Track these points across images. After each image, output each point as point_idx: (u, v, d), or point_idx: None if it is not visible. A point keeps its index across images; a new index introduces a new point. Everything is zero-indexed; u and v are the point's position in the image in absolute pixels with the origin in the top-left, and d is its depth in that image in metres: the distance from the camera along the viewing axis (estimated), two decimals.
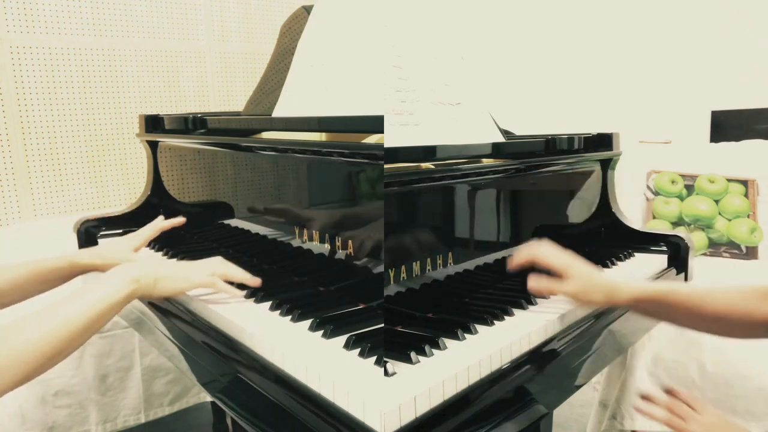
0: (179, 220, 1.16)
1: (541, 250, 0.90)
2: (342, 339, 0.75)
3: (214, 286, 0.90)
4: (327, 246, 0.94)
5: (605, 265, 1.16)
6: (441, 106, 1.01)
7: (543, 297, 0.93)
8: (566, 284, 0.86)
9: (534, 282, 0.87)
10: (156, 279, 0.86)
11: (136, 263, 0.88)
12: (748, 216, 1.82)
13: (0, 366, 0.67)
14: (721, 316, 0.81)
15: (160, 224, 1.14)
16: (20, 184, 1.93)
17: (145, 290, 0.85)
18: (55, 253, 1.03)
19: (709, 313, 0.82)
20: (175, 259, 1.19)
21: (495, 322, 0.84)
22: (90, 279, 1.11)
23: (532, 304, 0.92)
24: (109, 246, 1.10)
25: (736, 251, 1.81)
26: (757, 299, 0.79)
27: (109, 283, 0.81)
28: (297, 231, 1.00)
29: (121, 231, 1.44)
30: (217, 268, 0.93)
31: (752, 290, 0.81)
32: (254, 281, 0.94)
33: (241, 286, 0.94)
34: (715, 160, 1.94)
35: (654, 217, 1.90)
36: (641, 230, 1.33)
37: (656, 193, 1.94)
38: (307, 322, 0.81)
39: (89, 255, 1.05)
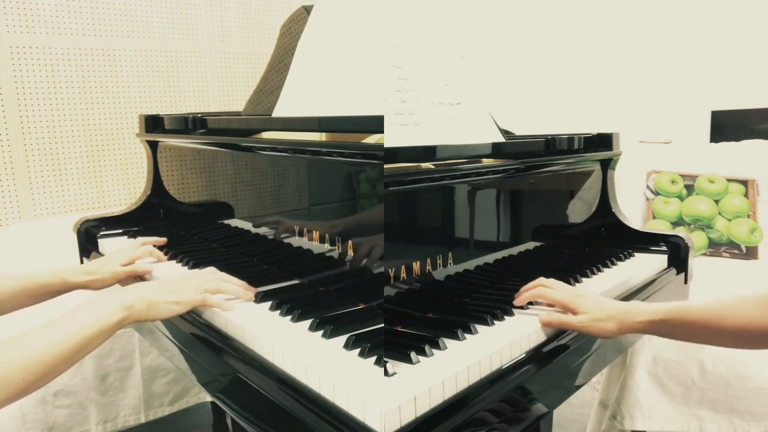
0: (161, 240, 1.27)
1: (545, 290, 0.89)
2: (342, 339, 0.75)
3: (206, 303, 0.89)
4: (327, 246, 0.94)
5: (605, 265, 1.16)
6: (441, 106, 1.01)
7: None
8: (576, 318, 0.85)
9: (545, 317, 0.85)
10: (149, 305, 0.85)
11: (130, 288, 0.87)
12: (748, 216, 1.82)
13: None
14: (740, 329, 0.79)
15: (143, 240, 1.23)
16: (20, 184, 1.93)
17: (138, 316, 0.84)
18: (52, 260, 1.03)
19: (727, 328, 0.80)
20: (174, 261, 1.19)
21: (495, 322, 0.84)
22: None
23: (532, 304, 0.92)
24: (97, 263, 1.10)
25: (736, 251, 1.81)
26: None
27: (101, 307, 0.79)
28: (297, 231, 1.00)
29: (121, 231, 1.45)
30: (209, 284, 0.91)
31: (766, 300, 0.78)
32: (247, 295, 0.93)
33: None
34: (715, 160, 1.95)
35: (654, 217, 1.91)
36: (641, 230, 1.33)
37: (656, 193, 1.94)
38: (307, 322, 0.81)
39: (77, 272, 1.05)
